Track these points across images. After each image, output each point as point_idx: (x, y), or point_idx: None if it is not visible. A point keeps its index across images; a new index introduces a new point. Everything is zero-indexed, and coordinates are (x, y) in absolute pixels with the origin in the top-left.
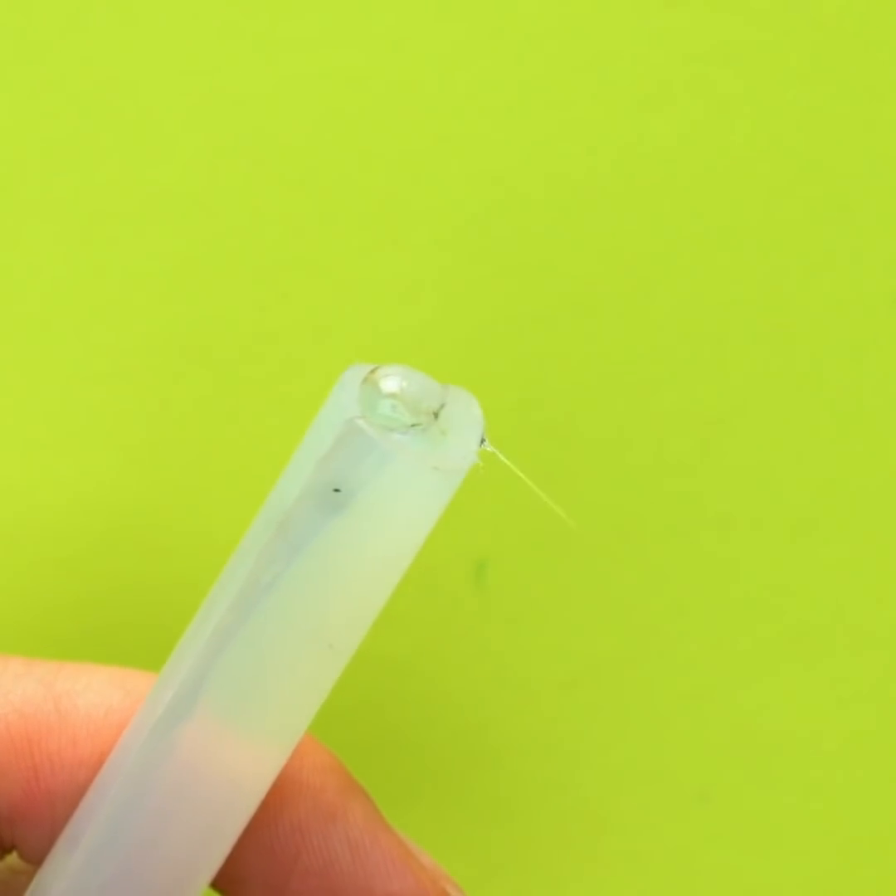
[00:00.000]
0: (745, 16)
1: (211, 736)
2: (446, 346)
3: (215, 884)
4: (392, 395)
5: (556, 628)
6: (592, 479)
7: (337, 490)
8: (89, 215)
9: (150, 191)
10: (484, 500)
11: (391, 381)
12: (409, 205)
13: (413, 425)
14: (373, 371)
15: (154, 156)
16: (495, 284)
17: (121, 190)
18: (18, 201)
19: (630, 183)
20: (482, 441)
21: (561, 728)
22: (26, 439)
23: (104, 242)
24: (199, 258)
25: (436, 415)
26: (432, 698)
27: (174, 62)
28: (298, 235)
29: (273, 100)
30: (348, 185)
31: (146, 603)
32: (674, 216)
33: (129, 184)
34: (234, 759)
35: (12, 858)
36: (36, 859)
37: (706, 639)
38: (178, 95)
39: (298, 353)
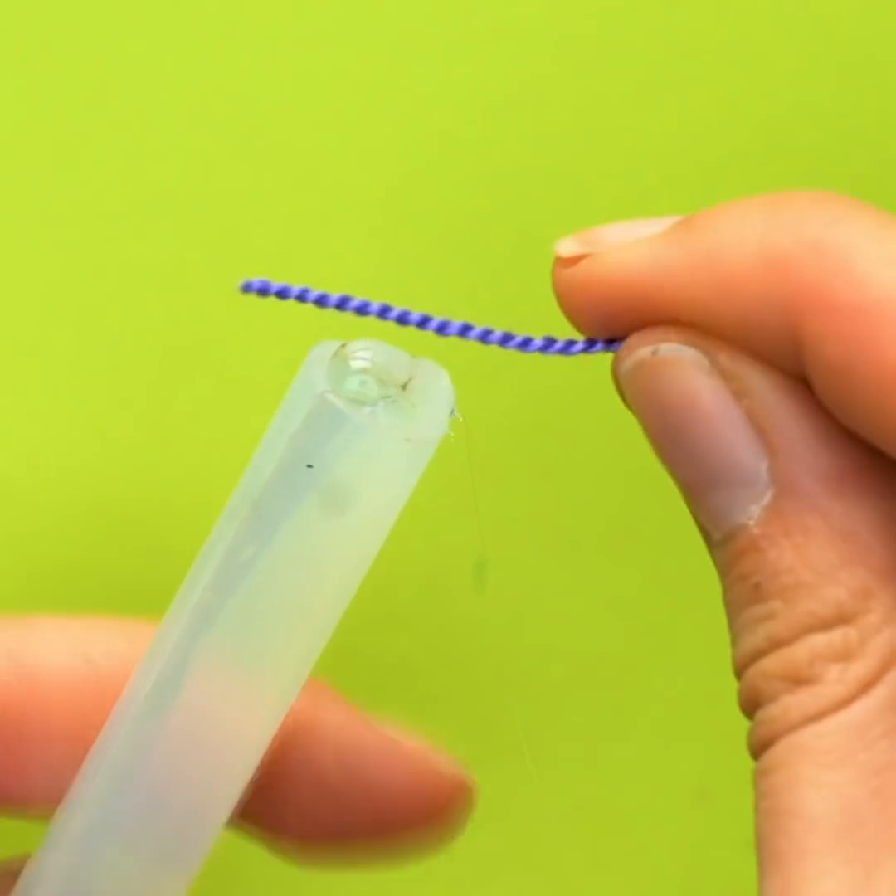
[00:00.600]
0: (746, 16)
1: (194, 718)
2: (445, 344)
3: (243, 821)
4: (361, 369)
5: (556, 628)
6: (592, 478)
7: (310, 466)
8: (87, 214)
9: (148, 190)
10: (484, 500)
11: (360, 355)
12: (406, 203)
13: (383, 398)
14: (342, 346)
15: (153, 155)
16: (494, 283)
17: (119, 189)
18: (19, 200)
19: (630, 182)
20: (451, 412)
21: (561, 728)
22: (21, 436)
23: (101, 241)
24: (196, 257)
25: (405, 387)
26: (432, 698)
27: (173, 62)
28: (294, 233)
29: (270, 100)
30: (346, 185)
31: (138, 592)
32: (674, 214)
33: (127, 183)
34: (221, 738)
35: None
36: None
37: (706, 638)
38: (176, 96)
39: (294, 350)
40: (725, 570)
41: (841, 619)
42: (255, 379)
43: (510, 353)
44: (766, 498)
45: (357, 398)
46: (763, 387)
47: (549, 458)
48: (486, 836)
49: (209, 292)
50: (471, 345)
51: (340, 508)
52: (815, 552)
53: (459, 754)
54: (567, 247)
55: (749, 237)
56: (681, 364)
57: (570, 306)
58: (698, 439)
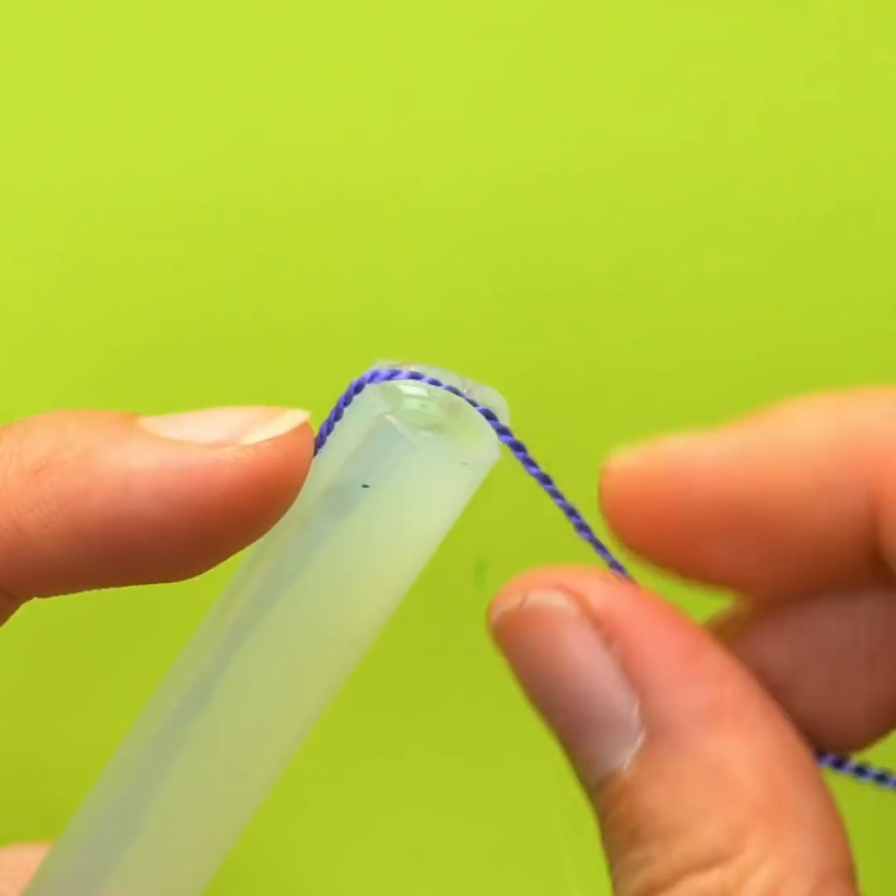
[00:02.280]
0: (746, 16)
1: (223, 728)
2: (443, 344)
3: None
4: (420, 392)
5: None
6: (593, 478)
7: (366, 485)
8: (89, 213)
9: (152, 190)
10: (484, 500)
11: (416, 377)
12: (414, 204)
13: (440, 421)
14: (398, 367)
15: (158, 155)
16: (497, 284)
17: (121, 189)
18: (20, 200)
19: (631, 182)
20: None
21: None
22: None
23: (106, 242)
24: (200, 258)
25: (461, 410)
26: (432, 698)
27: (175, 63)
28: (303, 234)
29: (275, 100)
30: (351, 185)
31: (151, 606)
32: (675, 215)
33: (130, 183)
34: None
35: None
36: None
37: None
38: (178, 95)
39: (302, 353)
40: (602, 815)
41: (717, 859)
42: (276, 387)
43: (507, 354)
44: (639, 741)
45: (415, 420)
46: (634, 628)
47: (550, 459)
48: (487, 835)
49: (222, 298)
50: (470, 347)
51: (392, 529)
52: (689, 793)
53: (459, 754)
54: (624, 456)
55: (823, 416)
56: (548, 615)
57: (630, 510)
58: (568, 691)
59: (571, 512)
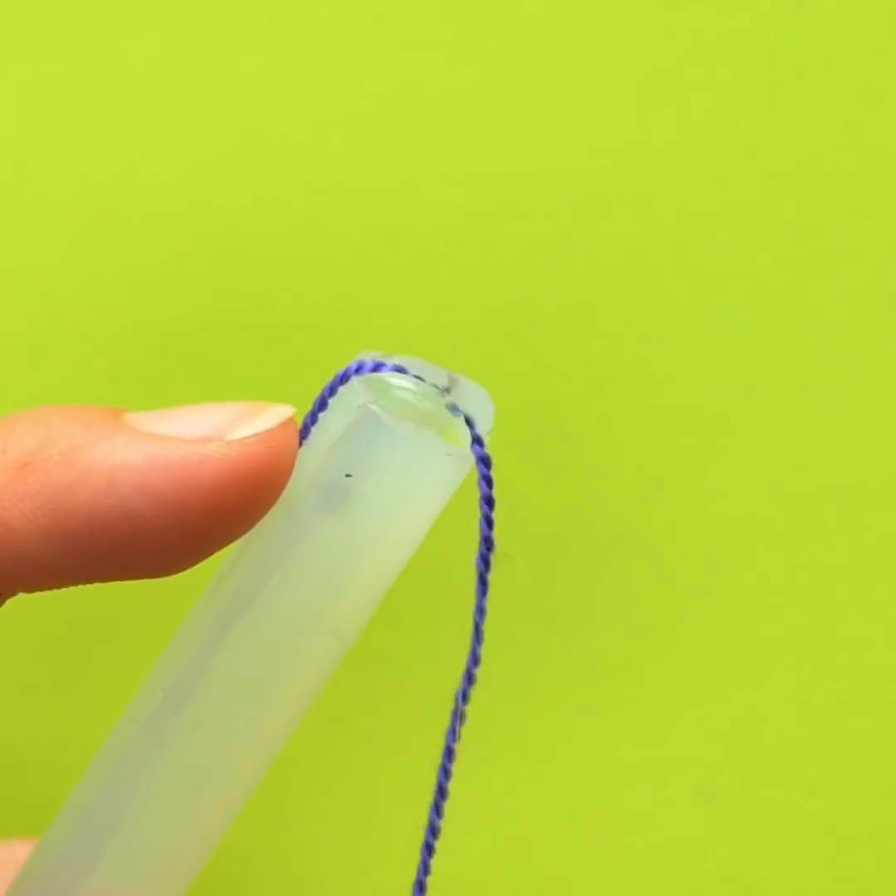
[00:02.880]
0: (746, 16)
1: (207, 725)
2: (442, 346)
3: None
4: (404, 383)
5: (558, 629)
6: (594, 478)
7: (349, 475)
8: (89, 213)
9: (152, 189)
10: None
11: (402, 369)
12: (411, 204)
13: (425, 412)
14: (386, 359)
15: (158, 156)
16: (496, 284)
17: (122, 189)
18: (20, 199)
19: (631, 182)
20: (488, 429)
21: (560, 728)
22: None
23: (107, 242)
24: (192, 256)
25: (445, 402)
26: (432, 698)
27: (177, 63)
28: (299, 234)
29: (275, 99)
30: (350, 185)
31: (144, 597)
32: (674, 215)
33: (130, 182)
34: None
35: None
36: None
37: (706, 639)
38: (179, 95)
39: (299, 353)
40: None
41: None
42: (274, 386)
43: (506, 356)
44: None
45: (400, 411)
46: None
47: (550, 460)
48: (486, 835)
49: (220, 297)
50: (468, 346)
51: (377, 519)
52: None
53: (460, 754)
54: None
55: None
56: None
57: None
58: None
59: (487, 541)
